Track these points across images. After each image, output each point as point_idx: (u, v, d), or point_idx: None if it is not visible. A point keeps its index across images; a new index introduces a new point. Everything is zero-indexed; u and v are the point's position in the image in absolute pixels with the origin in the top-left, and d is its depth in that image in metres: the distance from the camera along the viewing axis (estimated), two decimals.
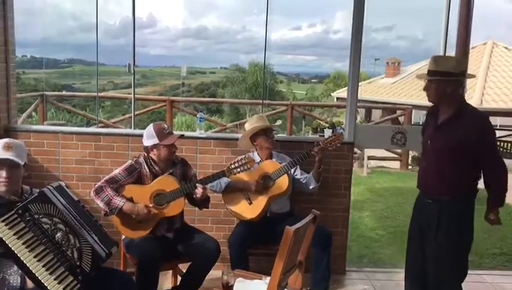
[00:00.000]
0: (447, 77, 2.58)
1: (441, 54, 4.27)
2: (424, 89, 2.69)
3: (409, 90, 16.44)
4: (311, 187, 3.48)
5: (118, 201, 2.91)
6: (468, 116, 2.63)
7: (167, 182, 3.02)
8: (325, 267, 3.32)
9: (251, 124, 3.51)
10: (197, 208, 3.42)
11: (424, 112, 3.27)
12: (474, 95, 13.58)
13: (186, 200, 3.17)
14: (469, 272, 4.33)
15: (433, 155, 2.70)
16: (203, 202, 3.16)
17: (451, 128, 2.62)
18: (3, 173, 2.35)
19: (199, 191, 3.00)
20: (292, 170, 3.45)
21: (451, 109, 2.64)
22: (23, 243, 2.18)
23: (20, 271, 2.20)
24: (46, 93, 8.89)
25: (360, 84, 4.01)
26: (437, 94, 2.63)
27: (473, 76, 2.72)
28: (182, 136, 3.15)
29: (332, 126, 7.17)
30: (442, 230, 2.66)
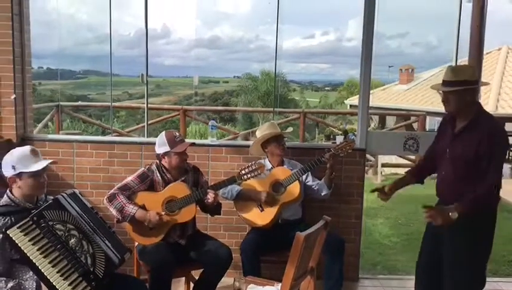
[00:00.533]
0: (466, 86, 2.55)
1: (454, 60, 4.26)
2: (443, 101, 2.64)
3: (422, 96, 16.33)
4: (323, 194, 3.48)
5: (131, 208, 2.95)
6: (483, 123, 2.59)
7: (178, 189, 3.05)
8: (337, 275, 3.31)
9: (262, 131, 3.53)
10: (208, 216, 3.46)
11: (438, 119, 3.24)
12: (489, 101, 13.44)
13: (198, 208, 3.20)
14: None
15: (451, 164, 2.64)
16: (214, 209, 3.18)
17: (468, 137, 2.57)
18: (43, 178, 2.42)
19: (210, 196, 3.03)
20: (304, 177, 3.45)
21: (468, 117, 2.60)
22: (38, 249, 2.23)
23: (35, 277, 2.24)
24: (62, 103, 9.03)
25: (373, 91, 4.03)
26: (457, 105, 2.59)
27: (487, 83, 2.67)
28: (193, 144, 3.18)
29: (345, 133, 7.14)
30: (460, 237, 2.58)
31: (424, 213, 2.56)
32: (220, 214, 3.30)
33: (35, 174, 2.36)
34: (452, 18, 4.14)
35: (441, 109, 2.75)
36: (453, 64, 4.30)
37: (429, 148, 2.94)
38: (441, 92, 2.65)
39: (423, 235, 2.90)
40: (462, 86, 2.54)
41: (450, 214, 2.50)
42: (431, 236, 2.80)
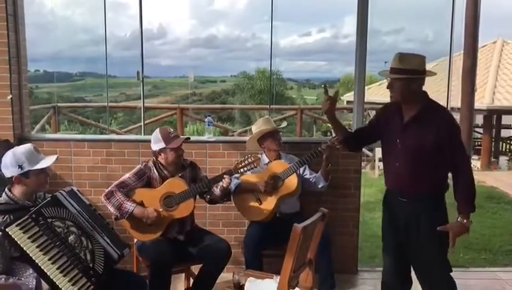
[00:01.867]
0: (413, 75, 2.55)
1: (448, 54, 4.28)
2: (388, 87, 2.64)
3: None
4: (320, 186, 3.50)
5: (129, 205, 2.96)
6: (434, 113, 2.60)
7: (176, 184, 3.06)
8: (327, 267, 3.33)
9: (257, 127, 3.55)
10: (207, 211, 3.47)
11: None
12: (485, 94, 13.46)
13: (206, 202, 3.25)
14: (483, 269, 4.33)
15: (404, 154, 2.63)
16: (225, 196, 3.20)
17: (419, 127, 2.57)
18: (48, 173, 2.47)
19: (226, 181, 3.07)
20: (301, 170, 3.48)
21: (416, 107, 2.60)
22: (38, 247, 2.25)
23: (35, 274, 2.25)
24: (59, 104, 9.03)
25: (369, 86, 4.04)
26: (402, 92, 2.58)
27: (433, 74, 2.69)
28: (187, 139, 3.20)
29: None
30: (424, 228, 2.62)
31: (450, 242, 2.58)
32: (230, 200, 3.34)
33: (43, 171, 2.38)
34: (447, 12, 4.15)
35: (438, 101, 2.75)
36: (448, 58, 4.32)
37: (362, 128, 3.02)
38: (388, 79, 2.66)
39: (383, 230, 2.89)
40: (407, 74, 2.54)
41: (465, 221, 2.57)
42: (394, 230, 2.78)
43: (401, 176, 2.66)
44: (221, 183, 3.10)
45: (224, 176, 3.09)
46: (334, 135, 3.54)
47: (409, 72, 2.54)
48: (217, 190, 3.14)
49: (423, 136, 2.55)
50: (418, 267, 2.74)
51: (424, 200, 2.63)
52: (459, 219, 2.58)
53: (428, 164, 2.58)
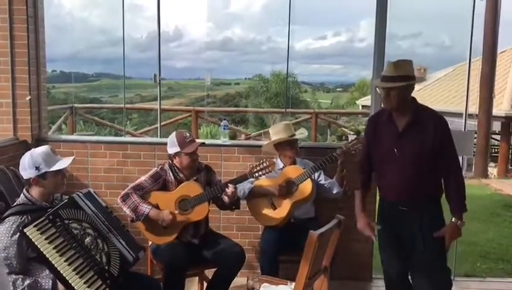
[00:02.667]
0: (408, 81, 2.54)
1: (467, 59, 4.23)
2: (386, 96, 2.58)
3: (435, 96, 16.17)
4: (334, 192, 3.47)
5: (144, 208, 2.97)
6: (427, 116, 2.61)
7: (191, 188, 3.07)
8: None
9: (276, 132, 3.51)
10: (221, 215, 3.47)
11: (451, 119, 3.21)
12: (503, 101, 13.27)
13: (217, 207, 3.24)
14: (501, 279, 4.26)
15: (403, 161, 2.60)
16: (233, 203, 3.20)
17: (417, 132, 2.57)
18: (64, 175, 2.48)
19: (230, 190, 3.05)
20: (316, 175, 3.45)
21: (408, 113, 2.59)
22: (54, 248, 2.26)
23: (51, 275, 2.26)
24: (75, 105, 9.12)
25: None
26: (399, 100, 2.56)
27: (424, 79, 2.69)
28: (203, 144, 3.20)
29: (357, 133, 7.11)
30: (428, 234, 2.61)
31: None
32: (239, 208, 3.32)
33: (59, 172, 2.40)
34: (465, 17, 4.10)
35: (454, 108, 2.74)
36: (467, 64, 4.27)
37: (363, 155, 2.90)
38: (380, 88, 2.61)
39: (382, 244, 2.86)
40: (404, 81, 2.52)
41: (459, 223, 2.61)
42: (394, 239, 2.75)
43: (401, 183, 2.63)
44: (226, 191, 3.08)
45: (228, 185, 3.07)
46: (350, 140, 3.51)
47: (404, 79, 2.54)
48: (225, 198, 3.14)
49: (422, 140, 2.56)
50: (421, 273, 2.69)
51: (424, 206, 2.63)
52: (453, 220, 2.61)
53: (427, 168, 2.59)
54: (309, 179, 3.32)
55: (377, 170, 2.81)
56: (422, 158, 2.57)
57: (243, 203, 3.46)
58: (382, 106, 2.78)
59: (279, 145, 3.49)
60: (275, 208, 3.35)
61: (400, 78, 2.53)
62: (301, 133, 3.62)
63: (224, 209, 3.31)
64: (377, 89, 2.69)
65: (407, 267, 2.76)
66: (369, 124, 2.84)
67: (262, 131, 10.74)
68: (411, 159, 2.58)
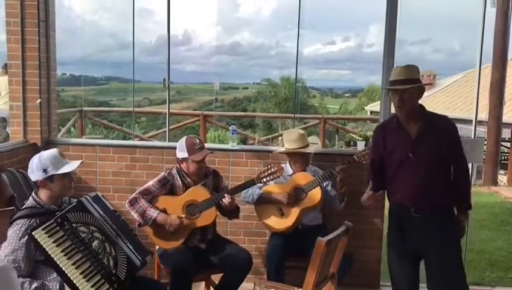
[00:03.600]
0: (418, 84, 2.56)
1: (477, 66, 4.19)
2: (400, 101, 2.55)
3: (444, 103, 16.10)
4: (334, 206, 3.46)
5: (152, 212, 2.98)
6: (439, 120, 2.64)
7: (199, 193, 3.07)
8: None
9: (290, 140, 3.45)
10: (228, 220, 3.46)
11: (460, 125, 3.17)
12: None
13: (218, 211, 3.21)
14: (510, 289, 4.20)
15: (421, 166, 2.57)
16: (232, 212, 3.19)
17: (431, 139, 2.57)
18: (73, 178, 2.49)
19: (226, 200, 3.04)
20: (324, 183, 3.43)
21: (419, 119, 2.59)
22: (62, 251, 2.26)
23: (58, 278, 2.27)
24: (84, 108, 9.18)
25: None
26: (412, 103, 2.56)
27: (428, 84, 2.71)
28: (211, 152, 3.20)
29: (366, 139, 7.08)
30: (445, 240, 2.61)
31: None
32: (238, 218, 3.31)
33: (67, 175, 2.41)
34: (475, 23, 4.08)
35: (464, 115, 2.74)
36: (477, 70, 4.24)
37: (372, 162, 2.87)
38: (393, 94, 2.59)
39: (395, 253, 2.79)
40: (414, 83, 2.54)
41: (464, 221, 2.70)
42: (412, 249, 2.69)
43: (417, 190, 2.60)
44: (223, 201, 3.06)
45: (225, 195, 3.06)
46: (358, 147, 3.50)
47: (415, 82, 2.55)
48: (224, 204, 3.10)
49: (437, 145, 2.56)
50: (438, 280, 2.66)
51: (439, 212, 2.62)
52: (459, 218, 2.67)
53: (443, 174, 2.60)
54: (318, 186, 3.30)
55: (389, 178, 2.76)
56: (438, 163, 2.57)
57: (251, 208, 3.46)
58: (393, 112, 2.75)
59: (291, 154, 3.48)
60: (282, 214, 3.33)
61: (412, 81, 2.54)
62: (314, 143, 3.57)
63: (225, 216, 3.30)
64: (390, 95, 2.66)
65: (418, 277, 2.73)
66: (378, 133, 2.81)
67: (270, 136, 10.74)
68: (427, 165, 2.56)
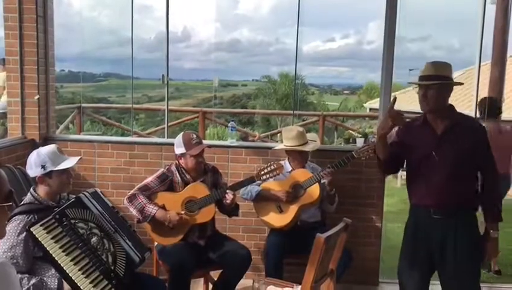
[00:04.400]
0: (447, 81, 2.50)
1: (477, 63, 4.18)
2: (424, 96, 2.51)
3: None
4: (325, 207, 3.46)
5: (151, 209, 2.97)
6: (468, 121, 2.59)
7: (198, 189, 3.06)
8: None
9: (289, 137, 3.45)
10: (228, 218, 3.45)
11: None
12: None
13: (217, 208, 3.21)
14: (509, 286, 4.19)
15: (443, 166, 2.50)
16: (232, 210, 3.19)
17: (457, 136, 2.50)
18: (71, 174, 2.48)
19: (229, 197, 3.03)
20: (323, 180, 3.42)
21: (448, 116, 2.54)
22: (60, 247, 2.25)
23: (57, 274, 2.26)
24: (83, 105, 9.16)
25: (394, 94, 3.96)
26: (437, 100, 2.49)
27: (461, 83, 2.64)
28: (209, 147, 3.19)
29: (365, 136, 7.07)
30: (461, 245, 2.51)
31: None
32: (237, 215, 3.31)
33: (65, 172, 2.40)
34: (475, 21, 4.08)
35: (463, 112, 2.69)
36: (476, 67, 4.23)
37: (387, 155, 2.71)
38: (418, 89, 2.55)
39: (408, 254, 2.72)
40: (443, 80, 2.48)
41: (496, 234, 2.55)
42: (425, 254, 2.62)
43: (438, 188, 2.52)
44: (226, 198, 3.05)
45: (227, 191, 3.05)
46: (357, 144, 3.49)
47: (443, 79, 2.49)
48: (226, 202, 3.10)
49: (462, 144, 2.48)
50: (453, 283, 2.59)
51: (458, 215, 2.53)
52: (491, 232, 2.54)
53: (466, 174, 2.52)
54: (317, 183, 3.30)
55: (410, 175, 2.70)
56: (462, 162, 2.49)
57: (250, 205, 3.45)
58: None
59: (289, 151, 3.48)
60: (281, 211, 3.33)
61: (437, 77, 2.48)
62: (313, 141, 3.56)
63: (224, 213, 3.29)
64: (416, 91, 2.61)
65: (428, 281, 2.67)
66: (404, 128, 2.72)
67: (269, 133, 10.72)
68: (450, 163, 2.49)
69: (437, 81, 2.47)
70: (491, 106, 4.58)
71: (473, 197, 2.57)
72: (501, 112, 5.11)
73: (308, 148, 3.44)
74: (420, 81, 2.54)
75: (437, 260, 2.58)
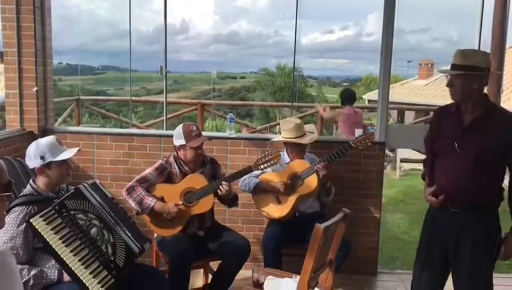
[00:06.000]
0: (474, 72, 2.38)
1: None
2: (448, 85, 2.46)
3: (442, 91, 16.07)
4: (322, 199, 3.47)
5: (150, 200, 2.98)
6: (499, 116, 2.43)
7: (196, 180, 3.06)
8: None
9: (287, 129, 3.45)
10: (227, 208, 3.46)
11: None
12: (511, 96, 13.17)
13: (216, 199, 3.22)
14: None
15: (464, 159, 2.40)
16: (230, 200, 3.20)
17: (484, 129, 2.39)
18: (70, 165, 2.48)
19: (224, 188, 3.03)
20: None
21: (478, 107, 2.43)
22: (60, 238, 2.27)
23: (57, 265, 2.27)
24: (81, 97, 9.13)
25: (392, 86, 3.96)
26: (463, 90, 2.40)
27: (499, 73, 2.54)
28: (209, 139, 3.19)
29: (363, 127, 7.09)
30: (478, 241, 2.43)
31: None
32: (237, 206, 3.31)
33: (64, 163, 2.40)
34: (474, 12, 4.06)
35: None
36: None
37: (427, 146, 2.69)
38: (448, 77, 2.47)
39: (424, 245, 2.67)
40: (469, 71, 2.37)
41: None
42: (441, 248, 2.55)
43: (457, 181, 2.44)
44: (221, 189, 3.04)
45: (223, 183, 3.04)
46: (356, 134, 3.48)
47: (468, 69, 2.37)
48: (222, 192, 3.09)
49: (487, 139, 2.38)
50: (463, 280, 2.52)
51: (478, 211, 2.43)
52: (508, 238, 2.43)
53: (488, 170, 2.40)
54: (314, 173, 3.31)
55: (435, 163, 2.62)
56: (484, 158, 2.38)
57: (249, 196, 3.46)
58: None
59: (287, 143, 3.48)
60: (279, 202, 3.34)
61: (464, 67, 2.38)
62: (311, 132, 3.55)
63: (224, 204, 3.31)
64: (446, 77, 2.51)
65: (443, 279, 2.60)
66: (436, 114, 2.67)
67: (268, 125, 10.70)
68: (472, 157, 2.38)
69: (460, 71, 2.38)
70: (348, 95, 6.34)
71: (495, 194, 2.45)
72: (355, 100, 6.72)
73: (306, 140, 3.44)
74: (447, 70, 2.46)
75: (451, 256, 2.51)
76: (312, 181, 3.31)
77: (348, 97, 6.24)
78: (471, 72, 2.38)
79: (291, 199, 3.31)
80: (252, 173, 3.26)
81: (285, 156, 3.49)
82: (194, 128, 3.12)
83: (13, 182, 1.39)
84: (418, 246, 2.71)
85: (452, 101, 2.53)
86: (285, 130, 3.47)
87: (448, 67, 2.50)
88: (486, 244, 2.44)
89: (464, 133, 2.44)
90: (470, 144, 2.41)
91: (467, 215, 2.44)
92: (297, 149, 3.45)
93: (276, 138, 3.64)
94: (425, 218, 2.70)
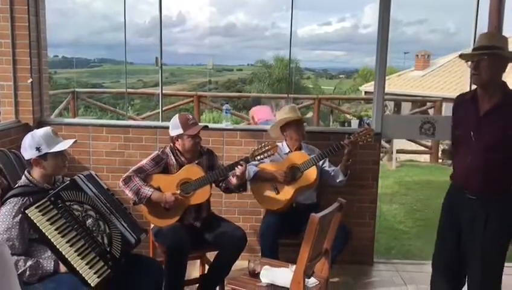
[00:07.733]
0: (503, 53, 2.33)
1: (471, 46, 4.17)
2: (474, 68, 2.37)
3: (438, 82, 16.09)
4: (338, 180, 3.46)
5: (146, 190, 2.97)
6: None
7: (193, 171, 3.06)
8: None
9: (282, 114, 3.50)
10: (223, 199, 3.48)
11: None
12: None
13: (222, 191, 3.25)
14: None
15: (478, 148, 2.40)
16: (241, 185, 3.18)
17: (499, 118, 2.36)
18: (66, 157, 2.47)
19: (241, 169, 3.02)
20: (321, 162, 3.44)
21: (495, 95, 2.37)
22: (56, 229, 2.26)
23: (53, 256, 2.27)
24: (77, 90, 9.09)
25: (389, 77, 3.96)
26: (490, 73, 2.33)
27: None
28: (206, 127, 3.19)
29: (360, 118, 7.09)
30: (491, 230, 2.42)
31: None
32: (246, 190, 3.31)
33: (60, 154, 2.39)
34: (470, 3, 4.06)
35: (458, 94, 2.64)
36: (471, 50, 4.22)
37: (452, 130, 2.66)
38: (470, 62, 2.42)
39: (441, 228, 2.69)
40: (496, 50, 2.31)
41: None
42: (456, 226, 2.57)
43: (472, 171, 2.44)
44: (235, 170, 3.06)
45: (241, 162, 3.05)
46: (360, 129, 3.47)
47: (495, 49, 2.34)
48: (233, 179, 3.12)
49: (503, 127, 2.35)
50: (474, 267, 2.52)
51: (494, 200, 2.43)
52: None
53: (503, 159, 2.39)
54: (314, 166, 3.31)
55: (455, 151, 2.63)
56: (501, 147, 2.36)
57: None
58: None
59: (286, 127, 3.48)
60: (278, 192, 3.35)
61: (491, 47, 2.34)
62: (307, 116, 3.60)
63: (230, 193, 3.30)
64: (467, 64, 2.48)
65: (460, 261, 2.58)
66: (454, 103, 2.66)
67: None
68: (487, 145, 2.37)
69: (489, 50, 2.33)
70: None
71: (510, 183, 2.45)
72: None
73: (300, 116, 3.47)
74: (472, 52, 2.42)
75: (464, 241, 2.52)
76: (311, 173, 3.32)
77: None
78: (498, 52, 2.35)
79: (290, 190, 3.32)
80: (249, 164, 3.26)
81: (284, 147, 3.49)
82: (190, 116, 3.13)
83: (3, 169, 1.38)
84: (439, 222, 2.72)
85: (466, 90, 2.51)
86: (281, 114, 3.49)
87: (456, 64, 2.48)
88: (498, 229, 2.43)
89: (480, 122, 2.43)
90: (486, 134, 2.40)
91: (483, 203, 2.44)
92: (296, 134, 3.44)
93: (274, 123, 3.61)
94: (444, 197, 2.71)
